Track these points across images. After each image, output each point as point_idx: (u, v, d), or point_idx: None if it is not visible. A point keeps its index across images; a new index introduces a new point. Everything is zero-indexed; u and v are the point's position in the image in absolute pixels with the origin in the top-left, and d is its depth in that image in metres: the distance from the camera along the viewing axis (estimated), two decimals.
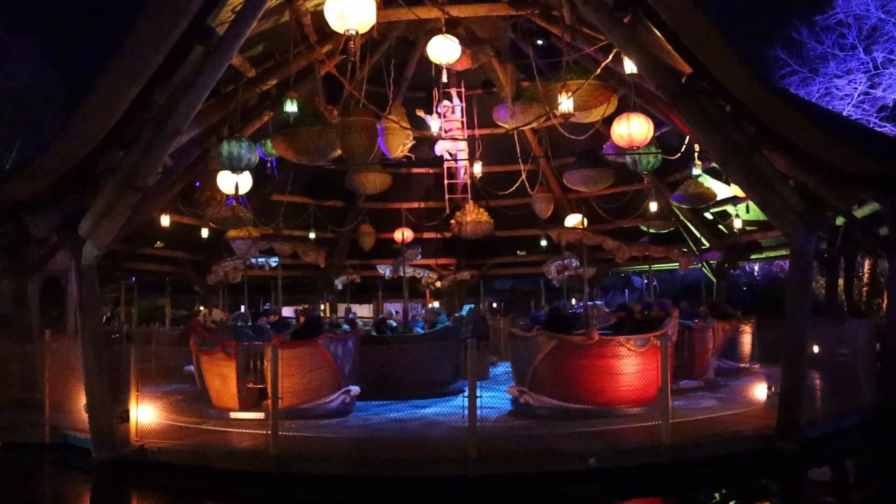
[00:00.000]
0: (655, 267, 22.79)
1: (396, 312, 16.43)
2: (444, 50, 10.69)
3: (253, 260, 16.83)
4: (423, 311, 18.71)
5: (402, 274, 17.26)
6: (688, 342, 12.74)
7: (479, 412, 8.54)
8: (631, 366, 10.48)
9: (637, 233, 19.52)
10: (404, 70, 17.62)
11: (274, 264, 18.02)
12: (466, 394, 8.57)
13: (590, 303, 16.93)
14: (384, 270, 18.76)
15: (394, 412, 10.92)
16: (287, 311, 30.13)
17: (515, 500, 8.05)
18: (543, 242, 20.96)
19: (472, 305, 14.36)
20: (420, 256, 20.02)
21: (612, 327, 12.29)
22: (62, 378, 10.74)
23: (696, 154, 14.87)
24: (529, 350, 11.03)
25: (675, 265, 23.44)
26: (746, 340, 15.59)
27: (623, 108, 12.08)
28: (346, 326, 13.50)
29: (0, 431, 10.59)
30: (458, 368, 13.38)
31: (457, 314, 16.46)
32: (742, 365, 15.31)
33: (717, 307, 15.72)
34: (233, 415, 10.77)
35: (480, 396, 8.63)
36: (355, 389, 11.36)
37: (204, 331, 12.62)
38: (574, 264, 17.76)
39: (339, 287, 20.15)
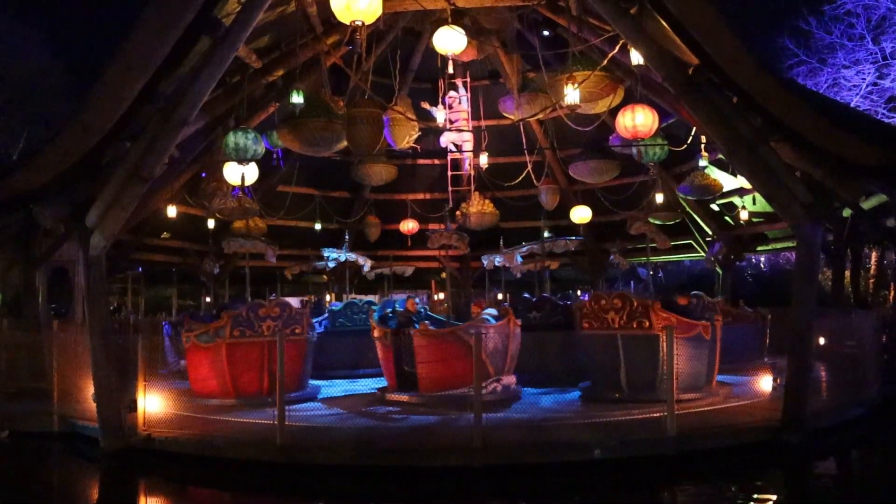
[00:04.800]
0: (661, 258, 22.79)
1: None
2: (449, 41, 10.66)
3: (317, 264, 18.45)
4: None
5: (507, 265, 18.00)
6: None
7: None
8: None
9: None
10: (410, 61, 17.61)
11: (332, 265, 18.95)
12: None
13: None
14: (494, 260, 19.01)
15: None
16: (293, 302, 30.22)
17: (521, 490, 8.08)
18: (546, 234, 20.96)
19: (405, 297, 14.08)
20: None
21: None
22: (70, 368, 10.82)
23: (702, 145, 14.83)
24: None
25: (679, 257, 23.47)
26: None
27: (629, 100, 12.04)
28: None
29: (9, 420, 10.66)
30: None
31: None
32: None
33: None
34: None
35: None
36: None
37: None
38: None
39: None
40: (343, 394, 12.29)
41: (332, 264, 19.60)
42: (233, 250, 18.49)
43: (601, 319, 11.01)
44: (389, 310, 12.26)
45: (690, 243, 20.85)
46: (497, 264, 19.44)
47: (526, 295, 15.01)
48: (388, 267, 21.65)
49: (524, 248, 18.34)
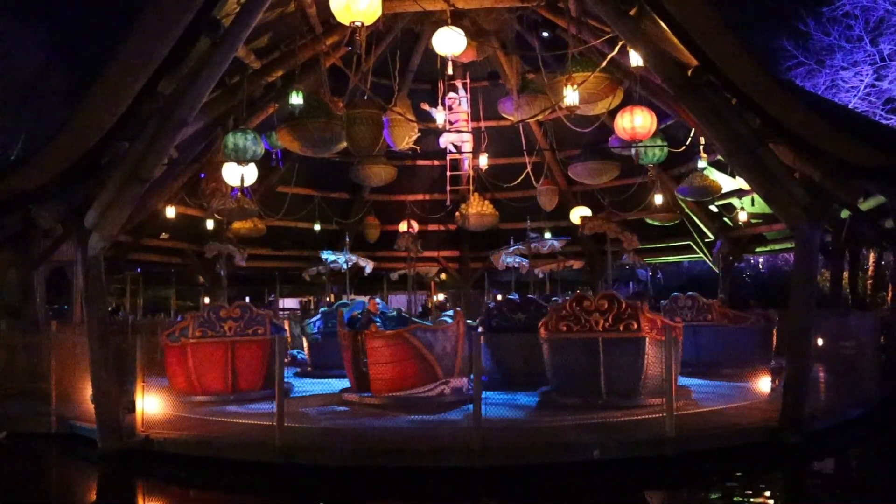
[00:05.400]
0: (659, 259, 22.79)
1: None
2: (449, 42, 10.68)
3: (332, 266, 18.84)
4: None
5: (513, 265, 18.01)
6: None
7: None
8: None
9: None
10: (409, 62, 17.63)
11: (346, 266, 18.92)
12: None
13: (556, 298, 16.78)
14: (506, 261, 19.01)
15: None
16: (291, 303, 30.21)
17: (520, 491, 8.08)
18: (548, 234, 20.98)
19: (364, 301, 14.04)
20: None
21: None
22: (68, 368, 10.81)
23: (701, 147, 14.85)
24: None
25: (679, 258, 23.47)
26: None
27: (628, 101, 12.06)
28: None
29: (7, 421, 10.64)
30: None
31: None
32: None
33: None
34: None
35: None
36: None
37: None
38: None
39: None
40: (314, 393, 12.45)
41: (344, 266, 19.53)
42: (212, 254, 18.48)
43: (582, 322, 10.52)
44: (358, 311, 12.32)
45: (689, 244, 20.88)
46: (510, 265, 19.40)
47: (511, 297, 15.00)
48: (412, 268, 21.52)
49: (510, 249, 18.35)
